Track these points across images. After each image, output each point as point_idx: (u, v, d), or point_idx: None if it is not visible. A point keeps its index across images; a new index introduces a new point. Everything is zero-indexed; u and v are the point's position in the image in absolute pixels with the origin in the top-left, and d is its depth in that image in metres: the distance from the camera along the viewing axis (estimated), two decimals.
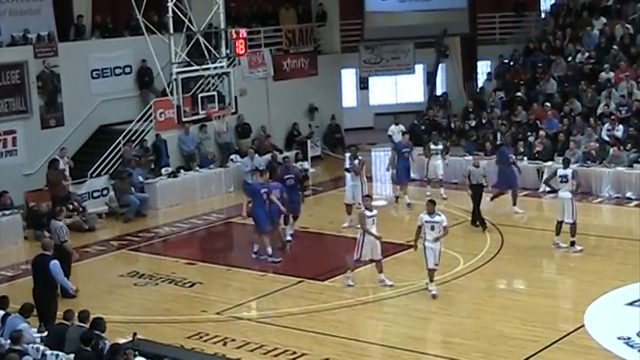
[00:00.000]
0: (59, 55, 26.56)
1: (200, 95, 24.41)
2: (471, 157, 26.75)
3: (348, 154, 24.25)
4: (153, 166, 26.98)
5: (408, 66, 35.39)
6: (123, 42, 28.33)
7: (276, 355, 15.48)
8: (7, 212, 23.20)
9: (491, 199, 23.71)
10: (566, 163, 21.12)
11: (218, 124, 28.01)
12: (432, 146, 25.99)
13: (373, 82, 36.64)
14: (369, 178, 29.82)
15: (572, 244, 20.27)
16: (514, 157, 24.11)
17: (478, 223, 22.30)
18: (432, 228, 17.48)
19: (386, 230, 20.66)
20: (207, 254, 22.06)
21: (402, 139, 26.34)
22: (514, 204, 23.77)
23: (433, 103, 33.46)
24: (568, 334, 15.94)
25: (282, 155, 26.30)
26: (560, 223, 20.35)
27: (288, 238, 21.68)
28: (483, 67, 35.98)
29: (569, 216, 20.14)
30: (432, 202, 17.90)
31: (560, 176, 20.45)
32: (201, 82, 25.33)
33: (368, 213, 18.29)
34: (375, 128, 35.52)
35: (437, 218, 17.56)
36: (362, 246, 18.20)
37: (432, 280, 17.78)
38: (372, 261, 18.43)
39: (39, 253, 16.78)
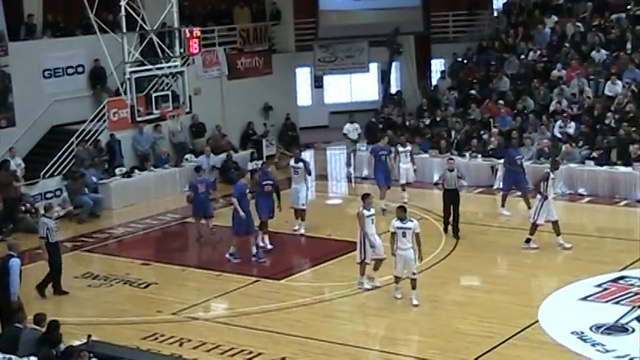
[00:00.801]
0: (9, 55, 26.22)
1: (154, 95, 24.41)
2: (426, 155, 26.95)
3: (292, 159, 23.70)
4: (107, 167, 26.78)
5: (363, 64, 35.47)
6: (75, 41, 28.08)
7: (232, 355, 15.42)
8: None
9: (502, 205, 23.29)
10: (555, 166, 21.31)
11: (172, 124, 28.04)
12: (401, 148, 24.86)
13: (328, 80, 36.68)
14: (324, 177, 30.04)
15: (528, 241, 20.42)
16: (521, 157, 23.58)
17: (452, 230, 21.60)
18: (404, 235, 17.07)
19: (343, 228, 20.73)
20: (162, 255, 21.89)
21: (381, 141, 24.97)
22: (528, 207, 22.39)
23: (388, 101, 33.57)
24: (523, 330, 16.02)
25: (261, 161, 25.90)
26: (555, 223, 20.46)
27: (264, 245, 21.19)
28: (437, 66, 36.15)
29: (549, 216, 20.28)
30: (402, 209, 17.47)
31: (552, 179, 20.50)
32: (155, 81, 25.20)
33: (366, 212, 17.97)
34: (330, 127, 35.55)
35: (408, 224, 17.12)
36: (363, 246, 17.88)
37: (396, 284, 17.56)
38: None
39: (5, 254, 16.46)
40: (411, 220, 17.31)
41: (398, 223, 17.21)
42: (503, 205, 23.42)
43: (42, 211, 19.24)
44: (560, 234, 20.38)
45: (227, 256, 20.28)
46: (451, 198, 21.45)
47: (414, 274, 17.16)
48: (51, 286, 18.54)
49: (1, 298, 15.90)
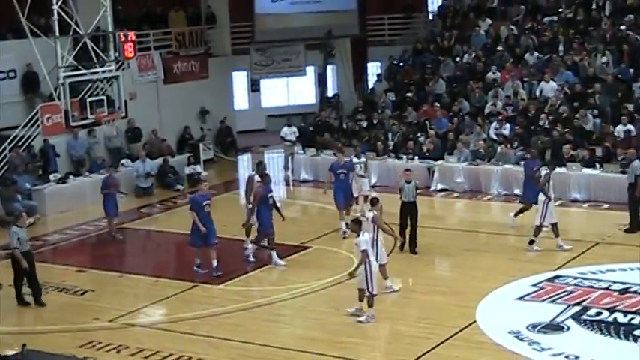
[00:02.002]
0: None
1: (89, 99, 24.25)
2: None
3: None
4: (41, 173, 26.45)
5: (299, 68, 35.51)
6: (6, 45, 27.61)
7: None
8: None
9: (516, 214, 22.32)
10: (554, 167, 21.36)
11: (108, 129, 27.84)
12: (355, 160, 23.24)
13: (264, 84, 36.66)
14: None
15: (532, 242, 20.44)
16: (540, 170, 21.72)
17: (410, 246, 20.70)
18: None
19: (281, 232, 20.69)
20: (98, 261, 21.66)
21: (337, 157, 23.21)
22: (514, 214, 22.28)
23: (325, 104, 33.63)
24: (461, 330, 16.13)
25: (265, 172, 22.69)
26: (554, 225, 20.44)
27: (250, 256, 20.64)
28: (374, 69, 36.33)
29: (550, 217, 20.30)
30: (355, 222, 16.96)
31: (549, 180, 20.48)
32: (89, 86, 25.03)
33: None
34: (267, 130, 35.53)
35: (355, 239, 16.58)
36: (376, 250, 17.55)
37: (366, 304, 16.77)
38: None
39: None
40: (362, 235, 16.57)
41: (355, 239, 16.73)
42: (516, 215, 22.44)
43: (13, 221, 18.57)
44: (559, 235, 20.43)
45: (194, 268, 19.79)
46: (409, 211, 20.43)
47: (370, 290, 16.49)
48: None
49: None
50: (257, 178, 20.80)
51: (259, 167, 21.59)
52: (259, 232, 20.22)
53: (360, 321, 16.57)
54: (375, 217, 17.86)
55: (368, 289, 16.42)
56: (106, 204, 22.94)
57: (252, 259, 20.46)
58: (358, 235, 16.49)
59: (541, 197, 20.23)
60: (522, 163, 23.56)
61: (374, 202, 18.38)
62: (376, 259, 17.04)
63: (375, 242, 17.51)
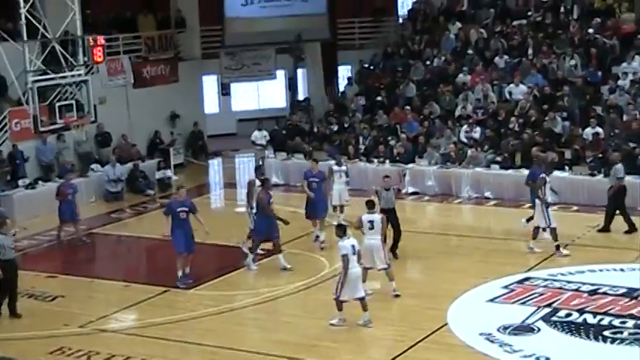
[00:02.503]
0: None
1: (58, 104, 24.10)
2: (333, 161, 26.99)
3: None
4: (9, 178, 26.25)
5: (270, 72, 35.51)
6: None
7: None
8: None
9: (527, 220, 21.70)
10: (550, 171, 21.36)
11: (77, 134, 27.67)
12: (335, 168, 22.53)
13: (235, 88, 36.64)
14: (233, 185, 29.96)
15: (558, 247, 20.20)
16: (546, 176, 21.14)
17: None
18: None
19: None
20: (68, 266, 21.53)
21: (311, 165, 22.38)
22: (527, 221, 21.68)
23: (295, 108, 33.65)
24: (432, 333, 16.17)
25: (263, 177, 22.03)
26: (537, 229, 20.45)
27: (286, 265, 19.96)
28: (344, 72, 36.34)
29: (547, 220, 20.23)
30: (339, 227, 16.78)
31: (549, 183, 20.38)
32: (58, 90, 24.83)
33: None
34: (238, 134, 35.49)
35: (339, 243, 16.63)
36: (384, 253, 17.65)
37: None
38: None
39: None
40: (342, 240, 16.51)
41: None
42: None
43: None
44: (536, 239, 20.43)
45: (178, 283, 19.16)
46: (388, 219, 19.42)
47: (356, 298, 16.53)
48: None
49: None
50: (257, 182, 20.63)
51: (259, 171, 21.52)
52: (255, 238, 19.98)
53: (332, 324, 16.57)
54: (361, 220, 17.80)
55: (336, 292, 16.37)
56: (60, 209, 22.90)
57: (253, 267, 20.07)
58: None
59: (538, 201, 20.21)
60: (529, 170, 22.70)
61: (370, 204, 18.16)
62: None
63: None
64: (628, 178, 22.75)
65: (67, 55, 24.56)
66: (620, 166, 22.29)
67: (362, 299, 16.45)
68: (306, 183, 21.82)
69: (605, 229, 21.93)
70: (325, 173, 22.12)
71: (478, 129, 27.58)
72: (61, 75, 24.20)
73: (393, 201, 20.28)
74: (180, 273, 19.11)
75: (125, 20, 32.93)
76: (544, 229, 20.39)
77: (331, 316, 16.60)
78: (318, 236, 21.54)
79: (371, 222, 17.58)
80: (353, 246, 16.42)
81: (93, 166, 28.09)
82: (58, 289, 19.40)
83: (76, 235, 23.14)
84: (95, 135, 29.11)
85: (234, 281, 19.53)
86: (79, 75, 24.65)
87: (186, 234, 19.04)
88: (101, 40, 25.14)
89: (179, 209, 19.01)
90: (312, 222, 21.84)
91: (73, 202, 23.01)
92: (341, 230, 16.62)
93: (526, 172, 25.14)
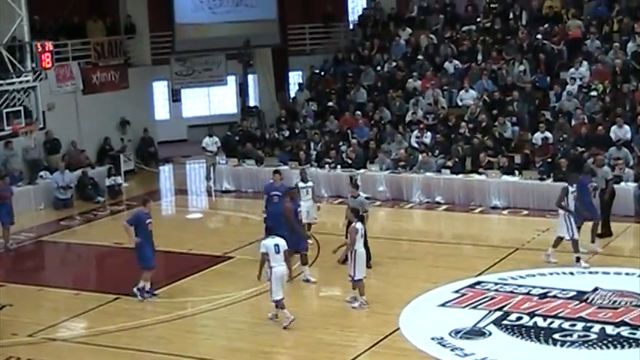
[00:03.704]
0: None
1: (5, 111, 23.70)
2: (286, 167, 26.99)
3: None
4: None
5: (220, 77, 35.44)
6: None
7: None
8: None
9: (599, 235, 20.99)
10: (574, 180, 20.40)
11: (25, 140, 27.24)
12: (301, 184, 21.38)
13: (185, 94, 36.50)
14: (184, 191, 29.84)
15: (578, 260, 19.62)
16: (594, 186, 21.05)
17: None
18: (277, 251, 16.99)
19: (203, 243, 20.59)
20: (16, 275, 21.23)
21: (273, 179, 21.19)
22: (592, 240, 20.73)
23: (246, 114, 33.61)
24: (384, 338, 16.20)
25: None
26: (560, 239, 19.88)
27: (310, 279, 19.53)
28: (295, 78, 36.41)
29: (570, 231, 19.65)
30: (266, 228, 17.37)
31: (572, 192, 19.80)
32: (6, 97, 24.48)
33: (358, 226, 17.75)
34: (189, 140, 35.35)
35: (277, 240, 17.00)
36: (356, 263, 17.54)
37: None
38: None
39: None
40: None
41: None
42: (593, 241, 20.89)
43: None
44: (556, 247, 19.93)
45: (135, 290, 18.49)
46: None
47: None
48: None
49: None
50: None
51: (277, 176, 20.99)
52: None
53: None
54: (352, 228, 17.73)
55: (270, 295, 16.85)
56: None
57: (312, 278, 19.44)
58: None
59: (561, 211, 19.68)
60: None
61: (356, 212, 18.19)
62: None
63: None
64: None
65: (15, 62, 24.22)
66: (607, 168, 22.50)
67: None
68: (265, 198, 20.75)
69: (608, 233, 21.68)
70: (287, 188, 20.64)
71: (429, 134, 27.74)
72: (9, 81, 23.84)
73: (361, 209, 19.34)
74: (148, 286, 18.57)
75: (74, 26, 32.61)
76: (575, 241, 19.59)
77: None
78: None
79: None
80: (276, 245, 16.78)
81: (42, 173, 27.82)
82: (6, 297, 19.10)
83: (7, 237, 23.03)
84: (44, 142, 28.82)
85: (186, 288, 19.44)
86: (27, 81, 24.29)
87: (152, 247, 18.55)
88: (49, 46, 24.80)
89: (148, 221, 18.44)
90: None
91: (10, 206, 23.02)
92: (266, 232, 17.27)
93: (476, 176, 25.47)
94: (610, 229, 21.79)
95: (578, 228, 19.88)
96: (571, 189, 19.76)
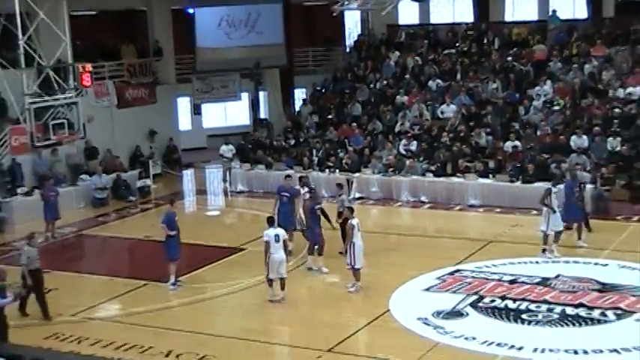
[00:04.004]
0: None
1: (51, 123, 23.88)
2: (292, 170, 26.89)
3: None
4: (9, 187, 25.94)
5: (235, 94, 35.31)
6: None
7: (126, 350, 15.22)
8: None
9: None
10: (557, 182, 20.45)
11: (68, 148, 27.42)
12: (304, 190, 20.44)
13: (205, 108, 36.35)
14: (204, 192, 29.82)
15: (544, 251, 19.41)
16: (552, 187, 20.00)
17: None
18: (277, 240, 17.11)
19: (220, 236, 20.57)
20: (60, 263, 21.17)
21: (284, 181, 21.01)
22: (579, 237, 20.31)
23: (257, 125, 33.60)
24: (376, 318, 16.25)
25: (311, 187, 21.08)
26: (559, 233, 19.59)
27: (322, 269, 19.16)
28: (299, 94, 36.27)
29: (546, 226, 19.40)
30: (268, 218, 17.42)
31: (555, 193, 19.61)
32: (52, 111, 24.56)
33: (354, 222, 17.77)
34: (208, 148, 35.27)
35: (278, 231, 17.25)
36: (355, 254, 17.59)
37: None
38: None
39: None
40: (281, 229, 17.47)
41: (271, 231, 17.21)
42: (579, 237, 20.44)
43: (26, 240, 17.32)
44: (558, 242, 19.64)
45: (169, 286, 18.38)
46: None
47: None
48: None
49: None
50: (303, 190, 20.28)
51: (303, 181, 20.84)
52: (310, 242, 19.24)
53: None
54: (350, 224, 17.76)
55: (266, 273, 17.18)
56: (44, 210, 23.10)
57: (325, 269, 19.11)
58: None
59: (544, 209, 19.37)
60: (563, 184, 20.98)
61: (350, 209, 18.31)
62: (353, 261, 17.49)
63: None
64: (541, 184, 22.93)
65: (60, 80, 24.34)
66: (580, 172, 22.34)
67: (283, 279, 17.16)
68: (277, 197, 20.52)
69: (589, 229, 21.23)
70: (297, 190, 20.55)
71: (414, 142, 27.70)
72: (54, 97, 23.97)
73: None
74: (173, 278, 18.49)
75: (110, 50, 32.65)
76: (545, 234, 19.42)
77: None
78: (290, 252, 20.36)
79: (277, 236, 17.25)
80: (277, 235, 17.05)
81: (82, 176, 27.79)
82: (52, 282, 19.06)
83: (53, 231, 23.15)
84: (84, 149, 28.79)
85: (205, 275, 19.45)
86: (70, 97, 24.40)
87: (179, 241, 18.56)
88: (89, 67, 25.00)
89: (176, 218, 18.65)
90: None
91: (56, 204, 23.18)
92: (268, 221, 17.42)
93: (456, 179, 25.48)
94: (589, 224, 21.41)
95: (569, 228, 19.83)
96: (554, 189, 19.57)
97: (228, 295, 18.10)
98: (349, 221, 17.73)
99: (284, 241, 17.30)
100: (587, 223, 21.25)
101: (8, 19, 23.84)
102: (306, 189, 20.44)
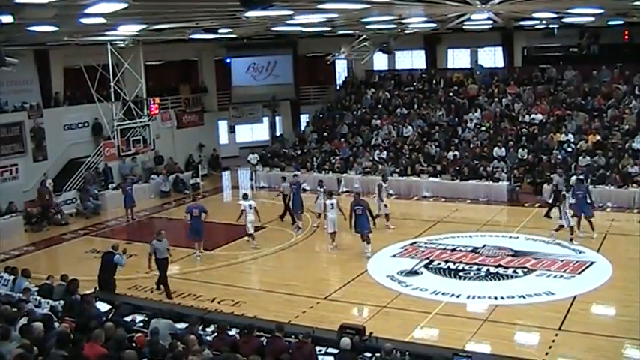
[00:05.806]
0: (44, 117, 25.20)
1: (132, 139, 24.02)
2: (299, 172, 26.90)
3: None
4: (103, 184, 26.03)
5: (259, 118, 35.30)
6: (82, 107, 26.78)
7: (184, 297, 15.35)
8: (14, 215, 22.31)
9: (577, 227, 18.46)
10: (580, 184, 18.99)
11: (143, 157, 27.48)
12: (328, 202, 18.69)
13: (238, 128, 36.33)
14: (237, 187, 29.77)
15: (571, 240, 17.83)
16: (583, 190, 18.51)
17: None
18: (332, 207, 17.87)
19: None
20: (137, 237, 21.00)
21: (292, 180, 21.24)
22: (592, 229, 18.25)
23: (274, 140, 33.63)
24: (358, 275, 16.34)
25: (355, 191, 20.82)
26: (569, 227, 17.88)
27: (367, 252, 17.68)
28: (304, 119, 36.23)
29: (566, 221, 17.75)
30: (244, 195, 17.66)
31: (567, 197, 17.98)
32: (132, 131, 24.73)
33: (328, 202, 18.26)
34: (240, 156, 35.23)
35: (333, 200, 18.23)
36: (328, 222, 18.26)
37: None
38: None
39: (107, 250, 15.10)
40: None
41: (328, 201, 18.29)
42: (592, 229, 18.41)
43: (155, 236, 16.29)
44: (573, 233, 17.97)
45: (198, 258, 17.96)
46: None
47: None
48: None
49: (104, 275, 14.63)
50: (381, 183, 20.63)
51: (384, 176, 21.47)
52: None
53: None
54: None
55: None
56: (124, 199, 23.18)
57: (369, 252, 17.57)
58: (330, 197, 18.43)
59: (561, 207, 17.88)
60: (572, 189, 19.02)
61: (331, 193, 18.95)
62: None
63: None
64: (473, 182, 23.02)
65: (137, 110, 24.46)
66: (557, 177, 21.27)
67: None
68: (290, 188, 20.86)
69: (548, 215, 20.31)
70: (299, 183, 21.20)
71: (385, 152, 27.74)
72: (134, 121, 24.12)
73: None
74: (197, 252, 18.44)
75: (172, 88, 32.66)
76: (561, 226, 17.85)
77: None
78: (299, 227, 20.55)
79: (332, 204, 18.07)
80: (249, 205, 18.31)
81: (152, 176, 27.86)
82: (133, 250, 18.69)
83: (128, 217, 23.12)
84: (154, 157, 28.80)
85: (238, 245, 19.48)
86: (144, 121, 24.54)
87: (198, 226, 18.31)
88: (157, 100, 25.13)
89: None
90: (295, 214, 20.82)
91: (131, 195, 23.22)
92: (243, 196, 18.23)
93: (414, 178, 25.48)
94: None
95: (578, 222, 18.12)
96: (567, 194, 18.13)
97: (253, 260, 18.19)
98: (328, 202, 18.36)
99: (255, 208, 18.38)
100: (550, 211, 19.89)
101: (104, 68, 24.04)
102: (324, 188, 20.46)
